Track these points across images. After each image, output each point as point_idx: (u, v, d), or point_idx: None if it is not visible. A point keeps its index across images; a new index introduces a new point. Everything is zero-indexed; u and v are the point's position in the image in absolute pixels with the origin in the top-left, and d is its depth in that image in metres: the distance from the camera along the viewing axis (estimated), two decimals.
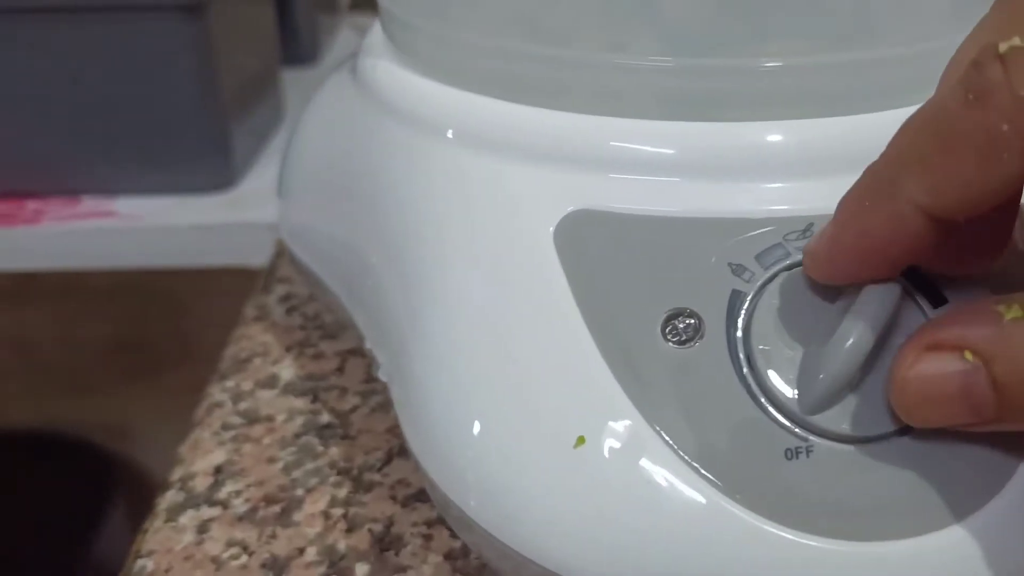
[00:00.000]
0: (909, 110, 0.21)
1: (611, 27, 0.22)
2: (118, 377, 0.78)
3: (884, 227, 0.16)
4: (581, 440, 0.18)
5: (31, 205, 0.44)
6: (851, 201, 0.17)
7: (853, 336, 0.17)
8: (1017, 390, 0.15)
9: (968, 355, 0.16)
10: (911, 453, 0.18)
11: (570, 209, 0.20)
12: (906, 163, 0.16)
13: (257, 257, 0.43)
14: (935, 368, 0.16)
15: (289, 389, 0.30)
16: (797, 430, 0.18)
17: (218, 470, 0.26)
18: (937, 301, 0.19)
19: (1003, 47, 0.15)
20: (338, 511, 0.25)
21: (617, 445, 0.18)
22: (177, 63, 0.41)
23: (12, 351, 0.76)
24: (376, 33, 0.28)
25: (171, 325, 0.78)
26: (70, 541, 0.72)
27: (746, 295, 0.19)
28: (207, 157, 0.43)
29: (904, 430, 0.18)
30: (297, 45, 0.57)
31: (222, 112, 0.43)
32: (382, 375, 0.24)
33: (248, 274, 0.44)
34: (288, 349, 0.31)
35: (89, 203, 0.44)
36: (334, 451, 0.27)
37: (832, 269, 0.18)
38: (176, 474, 0.26)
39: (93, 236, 0.43)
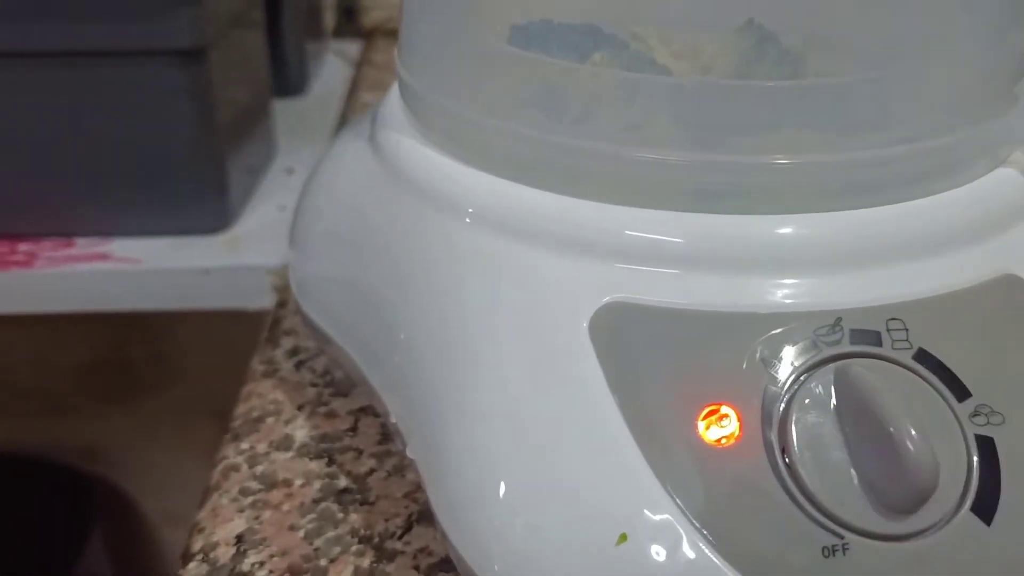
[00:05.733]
0: (926, 201, 0.22)
1: (628, 116, 0.22)
2: (97, 400, 0.77)
3: None
4: (623, 537, 0.19)
5: (23, 247, 0.43)
6: None
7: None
8: None
9: None
10: (942, 549, 0.18)
11: (605, 300, 0.21)
12: None
13: (253, 300, 0.43)
14: None
15: (304, 451, 0.30)
16: (834, 527, 0.18)
17: (239, 539, 0.26)
18: (961, 395, 0.19)
19: None
20: None
21: (658, 543, 0.18)
22: (176, 106, 0.41)
23: None
24: (393, 101, 0.28)
25: (150, 347, 0.77)
26: (49, 565, 0.71)
27: (780, 392, 0.19)
28: (203, 199, 0.43)
29: (936, 527, 0.18)
30: (286, 76, 0.57)
31: (219, 153, 0.43)
32: (410, 452, 0.24)
33: (241, 315, 0.44)
34: (300, 408, 0.32)
35: (83, 245, 0.44)
36: (354, 517, 0.27)
37: None
38: (197, 544, 0.27)
39: (87, 279, 0.42)
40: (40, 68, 0.40)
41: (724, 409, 0.19)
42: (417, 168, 0.25)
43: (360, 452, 0.30)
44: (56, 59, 0.40)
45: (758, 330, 0.20)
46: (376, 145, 0.27)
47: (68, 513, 0.74)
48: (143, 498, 0.76)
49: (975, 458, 0.19)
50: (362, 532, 0.27)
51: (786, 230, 0.21)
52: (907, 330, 0.20)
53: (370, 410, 0.31)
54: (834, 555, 0.18)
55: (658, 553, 0.18)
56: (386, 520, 0.27)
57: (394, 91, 0.28)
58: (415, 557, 0.26)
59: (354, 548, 0.26)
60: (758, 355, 0.20)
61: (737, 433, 0.19)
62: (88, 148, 0.42)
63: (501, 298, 0.22)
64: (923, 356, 0.20)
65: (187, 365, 0.73)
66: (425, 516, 0.27)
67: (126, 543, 0.75)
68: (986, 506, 0.19)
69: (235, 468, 0.29)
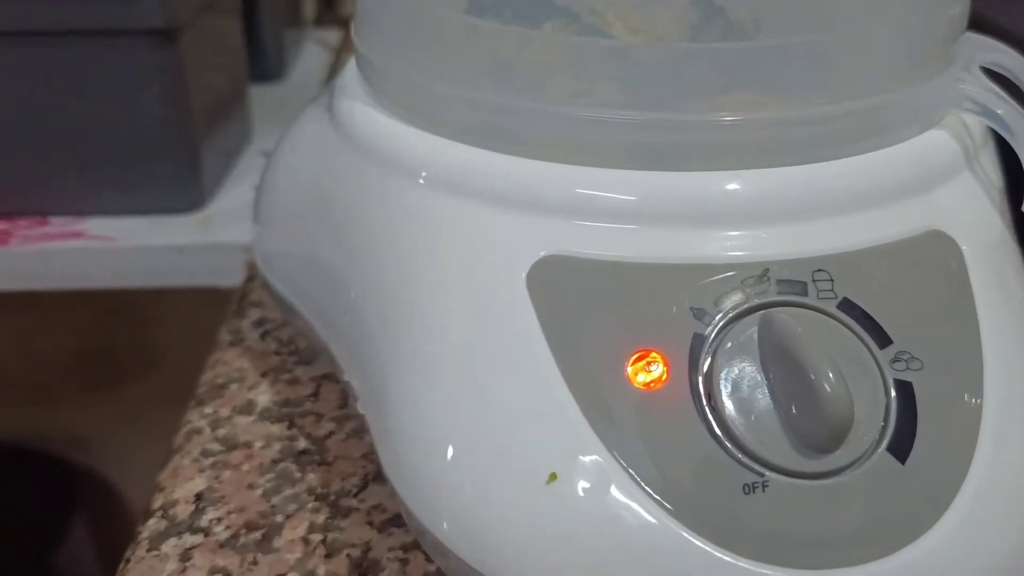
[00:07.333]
0: (860, 159, 0.23)
1: (579, 80, 0.23)
2: (81, 388, 0.78)
3: None
4: (553, 477, 0.19)
5: None
6: None
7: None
8: None
9: None
10: (858, 487, 0.19)
11: (542, 254, 0.21)
12: None
13: (227, 278, 0.43)
14: None
15: (266, 415, 0.30)
16: (754, 466, 0.19)
17: (199, 497, 0.27)
18: (883, 342, 0.20)
19: None
20: (317, 537, 0.26)
21: (586, 481, 0.19)
22: (149, 86, 0.42)
23: None
24: (351, 72, 0.29)
25: (133, 336, 0.77)
26: (33, 553, 0.72)
27: (706, 338, 0.20)
28: (177, 179, 0.44)
29: (853, 466, 0.19)
30: (264, 62, 0.58)
31: (192, 134, 0.44)
32: (360, 407, 0.25)
33: (218, 294, 0.45)
34: (264, 375, 0.32)
35: (58, 224, 0.44)
36: (311, 477, 0.28)
37: None
38: (157, 502, 0.27)
39: (62, 257, 0.43)
40: (13, 47, 0.41)
41: (652, 355, 0.20)
42: (372, 133, 0.26)
43: (320, 416, 0.30)
44: (28, 38, 0.40)
45: (689, 280, 0.21)
46: (333, 114, 0.28)
47: (51, 500, 0.74)
48: (126, 485, 0.77)
49: (893, 401, 0.20)
50: (319, 490, 0.27)
51: (722, 186, 0.22)
52: (832, 281, 0.21)
53: (332, 377, 0.32)
54: (754, 491, 0.19)
55: (585, 491, 0.19)
56: (342, 479, 0.28)
57: (352, 64, 0.29)
58: (369, 513, 0.26)
59: (310, 505, 0.27)
60: (688, 304, 0.20)
61: (664, 377, 0.20)
62: (62, 127, 0.42)
63: (447, 254, 0.23)
64: (847, 305, 0.21)
65: (170, 351, 0.74)
66: (380, 475, 0.27)
67: (109, 530, 0.76)
68: (902, 446, 0.19)
69: (197, 431, 0.30)
